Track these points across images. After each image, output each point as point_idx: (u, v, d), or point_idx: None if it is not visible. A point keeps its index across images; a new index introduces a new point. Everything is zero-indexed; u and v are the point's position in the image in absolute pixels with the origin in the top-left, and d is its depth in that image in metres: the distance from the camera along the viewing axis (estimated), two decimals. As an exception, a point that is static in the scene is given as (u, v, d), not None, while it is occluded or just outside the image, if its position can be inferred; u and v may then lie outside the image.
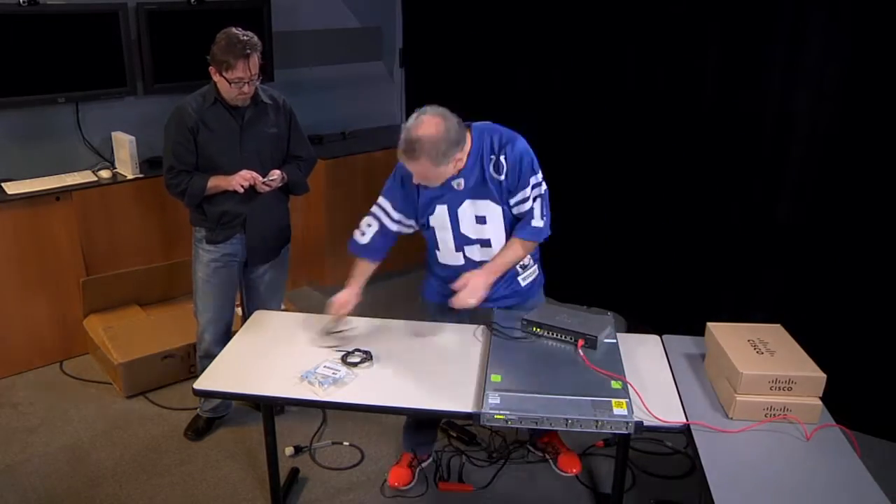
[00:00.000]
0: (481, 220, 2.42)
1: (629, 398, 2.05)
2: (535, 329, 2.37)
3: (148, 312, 3.73)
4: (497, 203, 2.39)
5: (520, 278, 2.58)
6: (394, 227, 2.50)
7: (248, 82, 2.65)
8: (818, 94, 3.05)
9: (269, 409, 2.55)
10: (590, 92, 3.87)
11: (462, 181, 2.36)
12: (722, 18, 3.28)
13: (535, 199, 2.39)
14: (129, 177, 3.68)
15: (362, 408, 2.17)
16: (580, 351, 2.24)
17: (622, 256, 3.91)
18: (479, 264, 2.44)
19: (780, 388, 2.04)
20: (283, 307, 3.11)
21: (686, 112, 3.52)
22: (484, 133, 2.37)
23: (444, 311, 2.52)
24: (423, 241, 2.58)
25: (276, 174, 2.82)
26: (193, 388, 2.26)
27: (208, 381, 2.26)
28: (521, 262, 2.55)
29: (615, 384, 2.11)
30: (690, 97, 3.48)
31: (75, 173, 3.63)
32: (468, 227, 2.43)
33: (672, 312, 3.66)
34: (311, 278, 4.52)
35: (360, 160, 4.37)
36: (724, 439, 1.96)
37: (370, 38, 4.84)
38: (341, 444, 3.09)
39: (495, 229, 2.44)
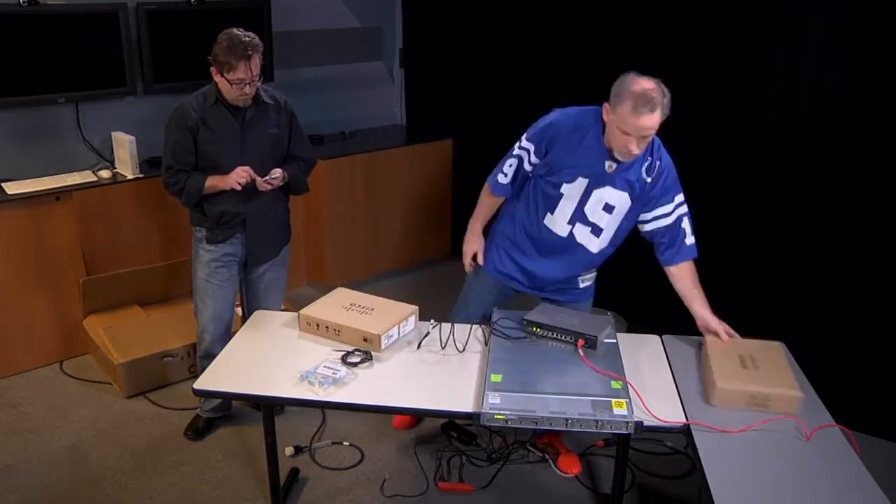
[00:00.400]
0: (609, 208, 2.44)
1: (629, 398, 2.05)
2: (535, 329, 2.37)
3: (148, 312, 3.73)
4: (630, 199, 2.41)
5: (580, 278, 2.64)
6: (528, 168, 2.50)
7: (249, 83, 2.65)
8: (818, 94, 3.05)
9: (269, 409, 2.55)
10: (590, 91, 3.82)
11: (615, 165, 2.37)
12: (722, 18, 3.28)
13: (682, 218, 2.47)
14: (129, 177, 3.68)
15: (362, 408, 2.17)
16: (580, 351, 2.24)
17: (622, 256, 3.89)
18: (580, 245, 2.50)
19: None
20: (282, 307, 3.11)
21: (686, 112, 3.50)
22: None
23: (500, 294, 2.62)
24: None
25: (277, 172, 2.81)
26: (193, 388, 2.26)
27: (208, 381, 2.26)
28: (594, 267, 2.66)
29: (615, 384, 2.11)
30: (690, 97, 3.47)
31: (75, 173, 3.63)
32: (592, 209, 2.44)
33: (672, 312, 3.64)
34: (311, 278, 4.52)
35: (360, 160, 4.37)
36: (724, 439, 1.96)
37: (370, 38, 4.84)
38: (341, 444, 3.09)
39: (613, 222, 2.47)
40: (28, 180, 3.49)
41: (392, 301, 2.59)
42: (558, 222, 2.50)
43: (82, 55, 3.56)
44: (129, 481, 2.84)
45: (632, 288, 3.93)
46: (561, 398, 2.05)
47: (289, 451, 3.00)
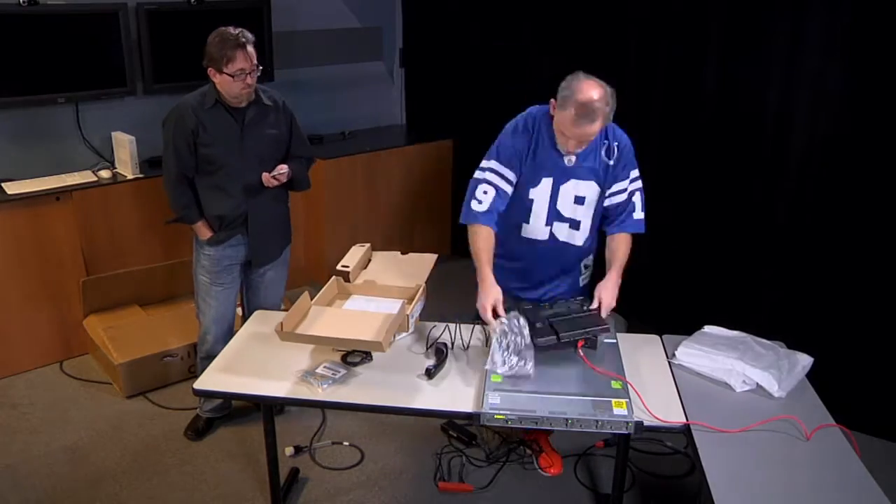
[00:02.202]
0: (580, 200, 2.44)
1: (629, 398, 2.05)
2: (534, 329, 2.36)
3: (148, 312, 3.73)
4: (599, 186, 2.43)
5: (581, 277, 2.64)
6: (510, 190, 2.44)
7: (250, 73, 2.64)
8: (818, 94, 3.05)
9: (269, 409, 2.55)
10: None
11: (574, 158, 2.39)
12: (722, 18, 3.28)
13: (634, 193, 2.47)
14: (129, 177, 3.68)
15: (362, 408, 2.17)
16: (580, 351, 2.24)
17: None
18: (562, 244, 2.48)
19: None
20: (282, 307, 3.10)
21: (686, 112, 3.52)
22: None
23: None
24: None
25: (283, 168, 2.81)
26: (193, 388, 2.26)
27: (208, 381, 2.26)
28: (585, 263, 2.63)
29: (615, 384, 2.12)
30: (690, 97, 3.48)
31: (75, 173, 3.63)
32: (565, 205, 2.45)
33: (672, 312, 3.66)
34: (311, 278, 4.51)
35: (360, 160, 4.37)
36: (724, 439, 1.96)
37: (370, 38, 4.84)
38: (341, 444, 3.09)
39: (587, 212, 2.47)
40: (28, 180, 3.49)
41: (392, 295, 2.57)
42: (536, 229, 2.50)
43: (82, 55, 3.56)
44: (129, 481, 2.84)
45: (632, 288, 3.93)
46: (561, 398, 2.05)
47: (289, 451, 3.00)
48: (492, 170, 2.43)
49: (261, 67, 2.69)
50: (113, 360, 3.35)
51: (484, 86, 4.37)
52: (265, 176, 2.77)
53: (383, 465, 2.96)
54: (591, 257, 2.66)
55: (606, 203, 2.48)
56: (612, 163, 2.42)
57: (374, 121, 4.97)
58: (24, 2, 3.35)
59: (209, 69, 2.66)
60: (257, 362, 2.35)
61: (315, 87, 4.62)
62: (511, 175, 2.42)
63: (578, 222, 2.48)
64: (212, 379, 2.27)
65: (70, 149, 3.73)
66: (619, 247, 2.47)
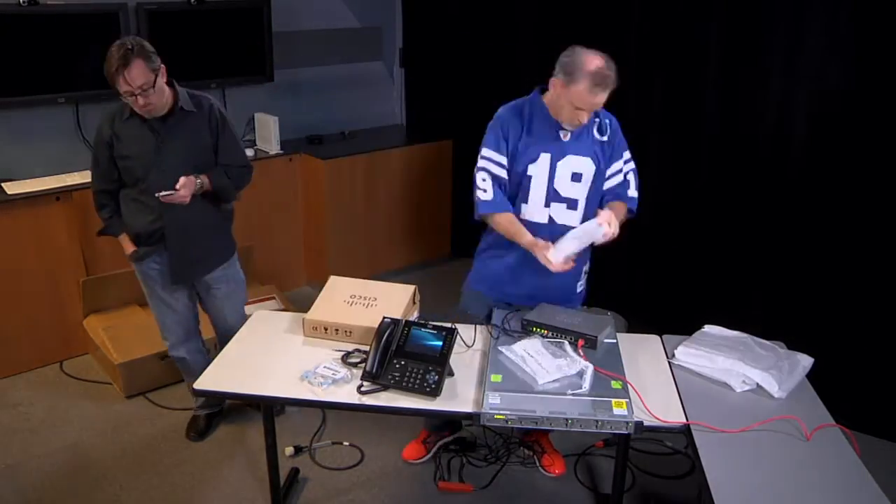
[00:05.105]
0: (577, 177, 2.44)
1: (629, 398, 2.05)
2: (535, 329, 2.37)
3: (148, 312, 3.71)
4: (594, 162, 2.44)
5: (578, 283, 2.64)
6: (504, 174, 2.46)
7: (139, 94, 2.41)
8: (819, 94, 3.05)
9: (269, 409, 2.55)
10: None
11: (569, 133, 2.41)
12: (722, 18, 3.28)
13: (629, 172, 2.51)
14: (129, 177, 3.68)
15: (362, 408, 2.17)
16: (580, 351, 2.24)
17: (622, 256, 3.90)
18: (561, 227, 2.45)
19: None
20: (245, 320, 2.76)
21: (686, 112, 3.52)
22: None
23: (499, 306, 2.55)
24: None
25: (181, 182, 2.53)
26: (193, 388, 2.26)
27: (208, 380, 2.26)
28: (585, 269, 2.65)
29: (615, 384, 2.11)
30: (690, 97, 3.48)
31: (75, 173, 3.62)
32: (562, 183, 2.44)
33: (672, 312, 3.66)
34: (311, 278, 4.51)
35: (360, 160, 4.37)
36: (724, 439, 1.96)
37: (370, 38, 4.84)
38: (341, 444, 3.09)
39: (583, 191, 2.47)
40: (28, 180, 3.49)
41: (389, 284, 2.62)
42: (535, 211, 2.48)
43: (82, 55, 3.55)
44: (129, 481, 2.84)
45: (632, 288, 3.94)
46: (561, 398, 2.05)
47: (289, 451, 3.00)
48: (483, 156, 2.47)
49: (155, 86, 2.43)
50: (113, 360, 3.35)
51: (484, 86, 4.36)
52: (161, 194, 2.52)
53: (383, 465, 2.96)
54: (588, 265, 2.66)
55: (606, 186, 2.51)
56: (605, 140, 2.46)
57: (374, 121, 4.97)
58: (24, 2, 3.35)
59: None
60: (257, 362, 2.35)
61: (315, 87, 4.63)
62: (502, 158, 2.44)
63: (576, 201, 2.47)
64: (212, 379, 2.27)
65: (70, 149, 3.73)
66: (616, 205, 2.49)
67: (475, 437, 3.06)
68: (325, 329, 2.46)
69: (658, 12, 3.51)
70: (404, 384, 2.13)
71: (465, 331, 2.46)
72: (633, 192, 2.54)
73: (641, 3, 3.57)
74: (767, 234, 3.32)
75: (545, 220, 2.49)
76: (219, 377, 2.28)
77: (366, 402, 2.15)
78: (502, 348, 2.27)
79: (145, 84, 2.41)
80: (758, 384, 2.17)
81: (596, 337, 2.28)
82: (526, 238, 2.42)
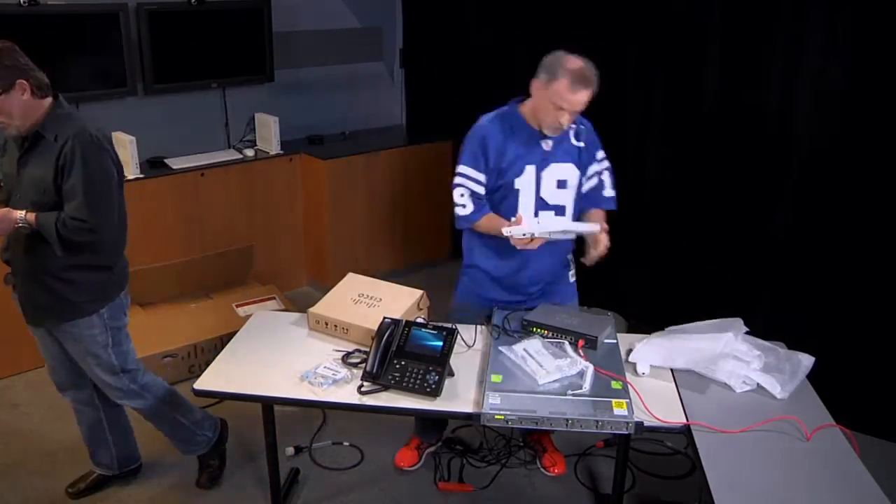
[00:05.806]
0: (562, 184, 2.46)
1: (629, 398, 2.05)
2: (535, 329, 2.37)
3: (148, 312, 3.73)
4: (577, 167, 2.47)
5: (570, 273, 2.67)
6: (482, 190, 2.48)
7: None
8: (819, 94, 3.05)
9: (269, 409, 2.55)
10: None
11: (551, 142, 2.43)
12: (722, 18, 3.28)
13: (603, 172, 2.54)
14: (130, 177, 3.67)
15: (362, 408, 2.17)
16: (580, 351, 2.24)
17: (622, 256, 3.90)
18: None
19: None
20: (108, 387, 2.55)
21: (686, 112, 3.52)
22: None
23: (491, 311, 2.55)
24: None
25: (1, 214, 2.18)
26: (193, 388, 2.26)
27: (208, 381, 2.26)
28: (570, 259, 2.67)
29: (615, 384, 2.11)
30: (691, 97, 3.48)
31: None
32: (548, 191, 2.46)
33: (672, 312, 3.65)
34: (311, 278, 4.52)
35: (360, 160, 4.37)
36: (724, 439, 1.96)
37: (370, 38, 4.85)
38: (341, 444, 3.09)
39: (570, 196, 2.49)
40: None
41: (399, 287, 2.63)
42: (524, 220, 2.47)
43: (82, 55, 3.56)
44: (129, 481, 2.84)
45: (632, 288, 3.94)
46: (561, 398, 2.05)
47: (289, 451, 3.00)
48: (460, 174, 2.47)
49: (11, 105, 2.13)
50: (113, 360, 3.35)
51: (484, 86, 4.37)
52: None
53: (383, 465, 2.96)
54: (571, 254, 2.68)
55: (584, 188, 2.54)
56: (582, 145, 2.49)
57: (374, 121, 4.98)
58: (24, 2, 3.36)
59: None
60: (257, 362, 2.35)
61: (315, 87, 4.63)
62: (480, 175, 2.45)
63: (563, 207, 2.49)
64: (212, 379, 2.27)
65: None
66: (595, 216, 2.52)
67: (461, 438, 3.05)
68: (326, 324, 2.47)
69: (659, 13, 3.51)
70: (404, 384, 2.14)
71: (465, 331, 2.46)
72: (609, 191, 2.56)
73: (642, 4, 3.57)
74: (768, 234, 3.32)
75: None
76: (219, 377, 2.28)
77: (366, 403, 2.15)
78: (502, 348, 2.28)
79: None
80: (758, 384, 2.17)
81: (596, 337, 2.28)
82: (498, 224, 2.43)
